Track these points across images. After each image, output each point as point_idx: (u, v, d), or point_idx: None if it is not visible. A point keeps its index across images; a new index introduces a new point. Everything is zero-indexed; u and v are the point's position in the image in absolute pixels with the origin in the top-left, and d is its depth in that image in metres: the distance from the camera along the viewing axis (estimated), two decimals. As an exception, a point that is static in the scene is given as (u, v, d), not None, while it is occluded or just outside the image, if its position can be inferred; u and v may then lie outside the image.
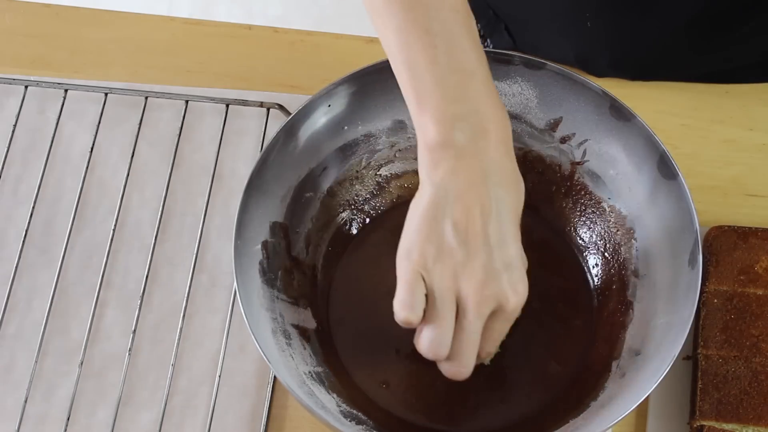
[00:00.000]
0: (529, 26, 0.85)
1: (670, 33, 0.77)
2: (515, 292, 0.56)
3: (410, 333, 0.67)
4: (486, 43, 0.90)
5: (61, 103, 0.79)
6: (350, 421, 0.61)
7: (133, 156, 0.78)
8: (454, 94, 0.56)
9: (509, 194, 0.57)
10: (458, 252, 0.55)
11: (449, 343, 0.57)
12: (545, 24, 0.83)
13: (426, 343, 0.57)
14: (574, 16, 0.79)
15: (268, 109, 0.79)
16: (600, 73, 0.81)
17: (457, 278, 0.55)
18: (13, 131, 0.79)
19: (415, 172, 0.72)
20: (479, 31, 0.90)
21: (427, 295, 0.56)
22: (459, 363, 0.58)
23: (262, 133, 0.78)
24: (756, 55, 0.80)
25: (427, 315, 0.57)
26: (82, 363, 0.70)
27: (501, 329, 0.59)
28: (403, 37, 0.57)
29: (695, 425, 0.65)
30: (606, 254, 0.69)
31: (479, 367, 0.66)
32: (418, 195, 0.58)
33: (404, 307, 0.56)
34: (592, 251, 0.70)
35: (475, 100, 0.57)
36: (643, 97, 0.80)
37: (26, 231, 0.75)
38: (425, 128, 0.57)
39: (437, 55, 0.56)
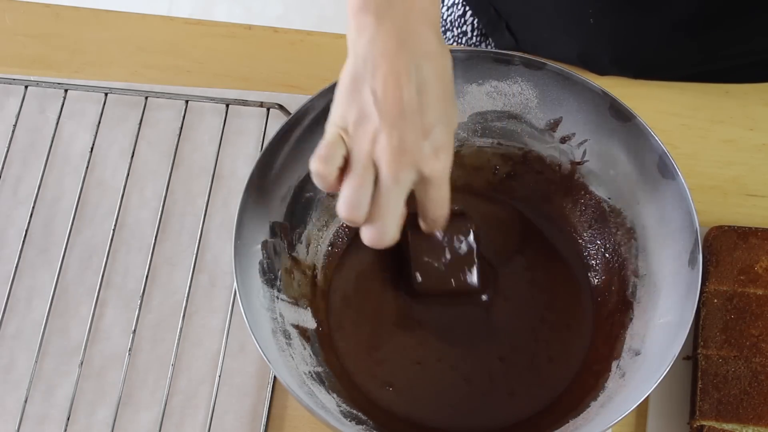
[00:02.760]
0: (532, 24, 0.85)
1: (672, 30, 0.77)
2: (435, 158, 0.57)
3: (411, 333, 0.68)
4: (487, 42, 0.90)
5: (61, 103, 0.79)
6: (350, 421, 0.61)
7: (133, 156, 0.78)
8: None
9: (430, 62, 0.57)
10: (376, 119, 0.56)
11: (365, 205, 0.57)
12: (548, 21, 0.83)
13: (342, 202, 0.57)
14: (577, 13, 0.79)
15: (268, 109, 0.79)
16: (602, 71, 0.81)
17: (373, 143, 0.56)
18: (13, 131, 0.79)
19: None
20: (480, 29, 0.90)
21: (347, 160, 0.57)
22: (377, 226, 0.57)
23: (262, 133, 0.79)
24: (757, 55, 0.80)
25: (346, 176, 0.57)
26: (82, 363, 0.70)
27: (437, 196, 0.59)
28: None
29: (695, 425, 0.65)
30: (606, 254, 0.69)
31: (479, 367, 0.66)
32: (345, 65, 0.58)
33: (318, 159, 0.57)
34: (592, 251, 0.70)
35: None
36: (643, 97, 0.80)
37: (26, 231, 0.75)
38: None
39: None
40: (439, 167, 0.57)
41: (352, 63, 0.57)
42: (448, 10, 0.91)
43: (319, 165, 0.57)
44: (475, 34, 0.90)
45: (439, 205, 0.60)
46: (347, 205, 0.57)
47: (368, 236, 0.58)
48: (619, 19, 0.78)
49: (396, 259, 0.68)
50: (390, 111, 0.55)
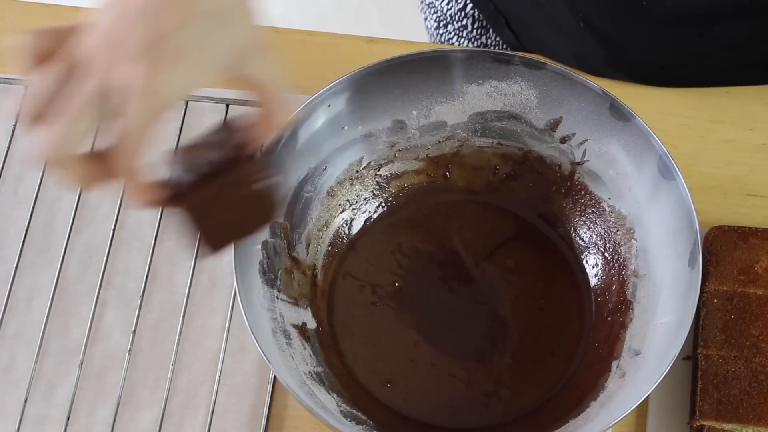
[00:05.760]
0: (528, 23, 0.85)
1: (663, 33, 0.77)
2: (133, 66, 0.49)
3: (411, 332, 0.68)
4: (488, 35, 0.90)
5: (61, 103, 0.79)
6: (350, 421, 0.61)
7: (133, 156, 0.78)
8: None
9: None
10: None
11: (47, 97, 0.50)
12: (542, 23, 0.83)
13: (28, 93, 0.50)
14: (569, 16, 0.79)
15: (268, 109, 0.79)
16: (598, 73, 0.80)
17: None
18: (13, 131, 0.79)
19: (415, 172, 0.72)
20: (481, 21, 0.89)
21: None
22: (56, 127, 0.50)
23: (262, 133, 0.78)
24: (756, 57, 0.79)
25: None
26: (82, 363, 0.70)
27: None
28: None
29: (695, 425, 0.65)
30: (606, 254, 0.69)
31: (480, 366, 0.66)
32: None
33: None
34: (592, 251, 0.70)
35: None
36: (643, 97, 0.80)
37: (26, 231, 0.75)
38: None
39: None
40: (137, 79, 0.48)
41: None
42: (448, 4, 0.91)
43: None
44: (475, 26, 0.90)
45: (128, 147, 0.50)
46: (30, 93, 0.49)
47: (39, 140, 0.49)
48: (610, 23, 0.78)
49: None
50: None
